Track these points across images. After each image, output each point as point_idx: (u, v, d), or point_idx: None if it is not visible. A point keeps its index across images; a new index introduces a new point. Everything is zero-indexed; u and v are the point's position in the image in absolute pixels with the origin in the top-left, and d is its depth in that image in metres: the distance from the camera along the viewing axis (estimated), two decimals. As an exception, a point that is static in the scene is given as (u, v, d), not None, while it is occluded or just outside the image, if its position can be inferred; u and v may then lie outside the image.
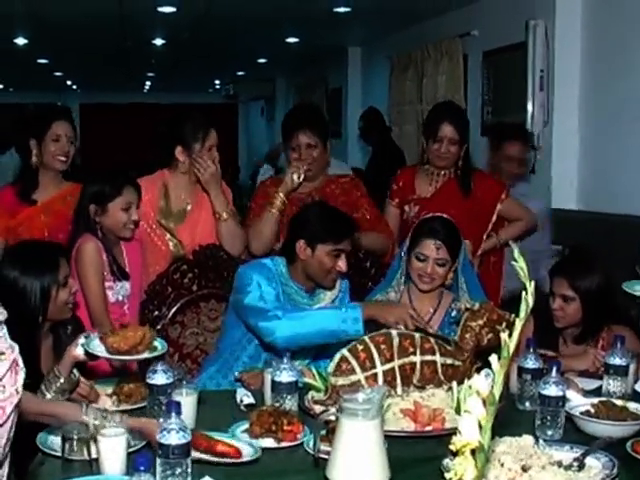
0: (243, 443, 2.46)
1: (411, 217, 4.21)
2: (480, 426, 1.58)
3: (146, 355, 2.59)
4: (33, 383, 2.65)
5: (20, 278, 2.98)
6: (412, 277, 3.42)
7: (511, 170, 4.81)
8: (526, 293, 1.59)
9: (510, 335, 1.60)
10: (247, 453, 2.39)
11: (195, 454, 2.26)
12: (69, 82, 17.14)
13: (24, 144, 3.98)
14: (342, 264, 3.26)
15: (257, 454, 2.37)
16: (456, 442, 1.59)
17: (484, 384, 1.60)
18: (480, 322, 2.96)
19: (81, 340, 2.63)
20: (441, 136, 4.23)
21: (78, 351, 2.61)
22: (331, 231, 3.26)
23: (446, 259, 3.36)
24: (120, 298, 3.64)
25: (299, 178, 3.94)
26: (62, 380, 2.66)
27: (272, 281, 3.25)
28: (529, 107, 5.87)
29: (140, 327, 2.65)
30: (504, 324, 2.92)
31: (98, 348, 2.59)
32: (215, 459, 2.31)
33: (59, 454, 2.36)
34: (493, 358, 1.60)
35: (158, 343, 2.65)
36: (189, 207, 3.96)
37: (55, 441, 2.44)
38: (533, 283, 1.58)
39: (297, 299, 3.32)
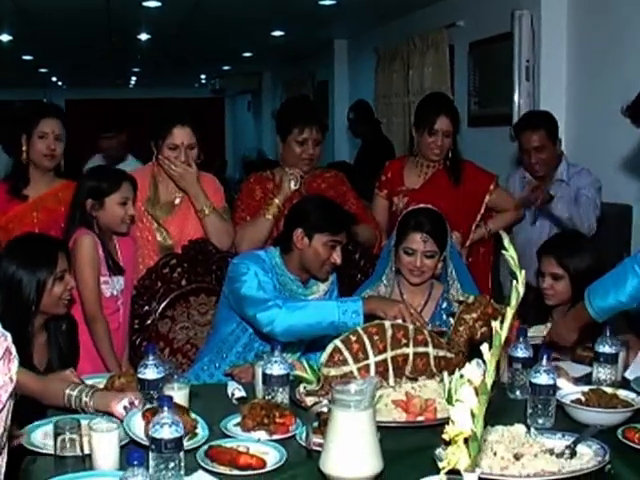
0: (266, 447, 2.40)
1: (400, 209, 4.19)
2: (473, 415, 1.59)
3: (186, 444, 2.32)
4: None
5: (17, 271, 3.06)
6: (402, 271, 3.42)
7: (529, 161, 4.66)
8: (517, 282, 1.60)
9: (501, 324, 1.61)
10: (272, 461, 2.30)
11: (219, 469, 2.24)
12: (54, 78, 17.06)
13: (16, 140, 3.97)
14: (337, 256, 3.28)
15: (282, 460, 2.30)
16: (449, 431, 1.60)
17: (476, 373, 1.61)
18: (474, 315, 2.97)
19: (125, 402, 2.52)
20: (437, 129, 4.24)
21: (119, 410, 2.53)
22: (329, 221, 3.28)
23: (434, 251, 3.37)
24: (115, 293, 3.63)
25: (296, 185, 3.93)
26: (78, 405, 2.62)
27: (268, 271, 3.26)
28: (515, 97, 5.86)
29: (183, 414, 2.43)
30: (499, 317, 2.92)
31: (137, 425, 2.40)
32: (240, 473, 2.24)
33: (41, 450, 2.36)
34: (484, 347, 1.61)
35: (200, 429, 2.49)
36: (178, 200, 3.93)
37: (37, 438, 2.45)
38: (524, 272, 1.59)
39: (293, 288, 3.34)
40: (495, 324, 1.61)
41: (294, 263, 3.33)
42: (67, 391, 2.59)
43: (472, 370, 1.64)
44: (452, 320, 3.10)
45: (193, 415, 2.51)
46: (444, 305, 3.43)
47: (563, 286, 3.44)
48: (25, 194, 3.96)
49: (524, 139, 4.65)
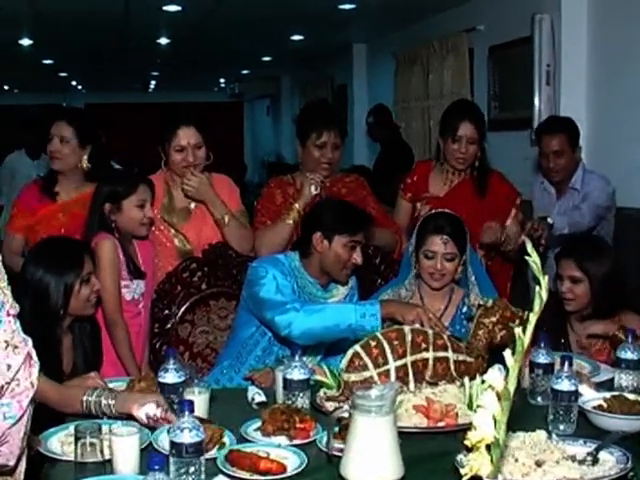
0: (286, 452, 2.39)
1: (422, 215, 4.13)
2: (495, 421, 1.57)
3: (214, 454, 2.35)
4: (55, 379, 2.67)
5: (44, 275, 3.07)
6: (422, 275, 3.42)
7: (547, 165, 4.67)
8: (540, 288, 1.59)
9: (524, 330, 1.60)
10: (293, 466, 2.29)
11: (239, 474, 2.24)
12: (74, 82, 17.13)
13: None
14: (357, 256, 3.28)
15: (302, 465, 2.29)
16: (471, 437, 1.59)
17: (498, 379, 1.60)
18: (493, 319, 2.95)
19: (147, 409, 2.49)
20: (460, 135, 4.13)
21: (140, 415, 2.53)
22: (348, 223, 3.29)
23: (454, 253, 3.36)
24: (136, 297, 3.63)
25: (317, 190, 3.91)
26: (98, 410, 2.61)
27: (287, 275, 3.26)
28: (536, 101, 5.85)
29: (208, 424, 2.43)
30: (517, 321, 2.91)
31: (165, 441, 2.34)
32: (260, 478, 2.23)
33: (60, 457, 2.36)
34: (507, 353, 1.60)
35: (227, 438, 2.48)
36: (193, 205, 3.93)
37: (53, 444, 2.45)
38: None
39: (312, 291, 3.34)
40: (518, 330, 1.59)
41: (314, 267, 3.33)
42: (84, 398, 2.57)
43: (494, 376, 1.62)
44: (471, 324, 3.09)
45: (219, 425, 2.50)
46: (464, 309, 3.42)
47: (582, 290, 3.42)
48: (56, 191, 4.03)
49: (544, 143, 4.65)
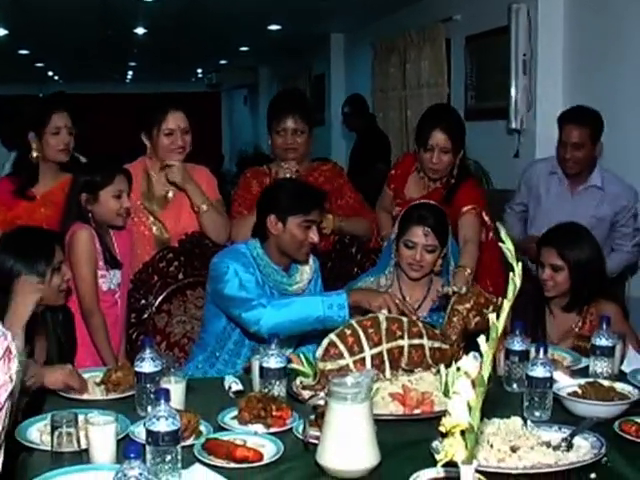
0: (263, 440, 2.39)
1: (393, 216, 4.05)
2: (469, 407, 1.58)
3: (192, 442, 2.36)
4: None
5: (15, 265, 3.03)
6: (401, 265, 3.42)
7: (563, 155, 4.52)
8: (513, 274, 1.60)
9: (498, 317, 1.61)
10: (269, 454, 2.29)
11: (216, 462, 2.24)
12: (50, 73, 17.02)
13: (21, 138, 3.94)
14: (314, 235, 3.27)
15: (279, 453, 2.29)
16: (446, 423, 1.60)
17: (473, 365, 1.61)
18: (467, 305, 2.97)
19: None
20: (432, 144, 3.90)
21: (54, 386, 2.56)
22: (300, 203, 3.27)
23: (435, 245, 3.37)
24: (112, 287, 3.62)
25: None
26: None
27: (249, 266, 3.24)
28: (512, 91, 5.87)
29: (184, 413, 2.43)
30: (491, 307, 2.93)
31: (143, 434, 2.30)
32: (237, 466, 2.23)
33: (38, 447, 2.35)
34: (481, 340, 1.61)
35: (203, 427, 2.48)
36: (171, 193, 3.93)
37: (33, 434, 2.44)
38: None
39: (277, 279, 3.32)
40: (492, 316, 1.60)
41: (273, 250, 3.30)
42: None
43: (469, 362, 1.63)
44: (445, 312, 3.10)
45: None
46: (441, 297, 3.43)
47: (562, 277, 3.45)
48: (32, 195, 3.94)
49: (565, 132, 4.52)
